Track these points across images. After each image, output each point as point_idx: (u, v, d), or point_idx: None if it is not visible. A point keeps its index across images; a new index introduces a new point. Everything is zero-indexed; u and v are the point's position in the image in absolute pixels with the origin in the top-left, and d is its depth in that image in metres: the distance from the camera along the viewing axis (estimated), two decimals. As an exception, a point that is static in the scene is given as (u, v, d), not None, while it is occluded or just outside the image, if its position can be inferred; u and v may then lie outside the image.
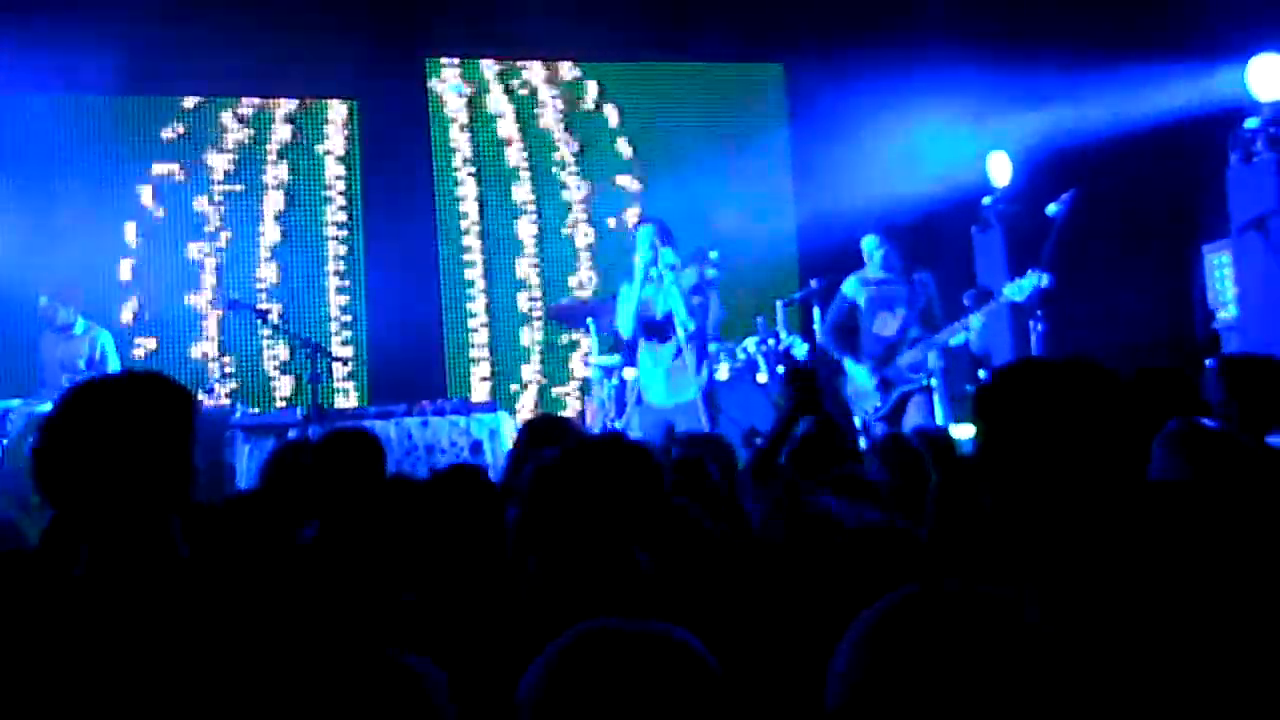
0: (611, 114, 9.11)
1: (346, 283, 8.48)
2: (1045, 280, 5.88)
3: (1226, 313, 7.22)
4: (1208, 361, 6.98)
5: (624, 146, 9.10)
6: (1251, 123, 5.88)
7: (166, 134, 8.13)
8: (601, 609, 1.37)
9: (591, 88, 9.10)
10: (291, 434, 6.08)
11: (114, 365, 6.71)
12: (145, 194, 8.09)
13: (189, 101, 8.21)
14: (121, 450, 1.57)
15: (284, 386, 8.10)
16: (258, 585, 1.49)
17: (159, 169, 8.13)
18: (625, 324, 5.75)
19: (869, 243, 6.21)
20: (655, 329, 5.73)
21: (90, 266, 7.57)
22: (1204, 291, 7.79)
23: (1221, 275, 7.22)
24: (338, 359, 7.12)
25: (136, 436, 1.58)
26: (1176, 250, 8.48)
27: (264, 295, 8.20)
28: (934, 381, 6.94)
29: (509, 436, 6.59)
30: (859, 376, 6.12)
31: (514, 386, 8.68)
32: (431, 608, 2.04)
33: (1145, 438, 1.48)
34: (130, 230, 8.03)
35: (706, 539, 2.22)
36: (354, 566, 2.14)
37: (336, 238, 8.50)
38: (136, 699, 1.36)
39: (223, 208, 8.27)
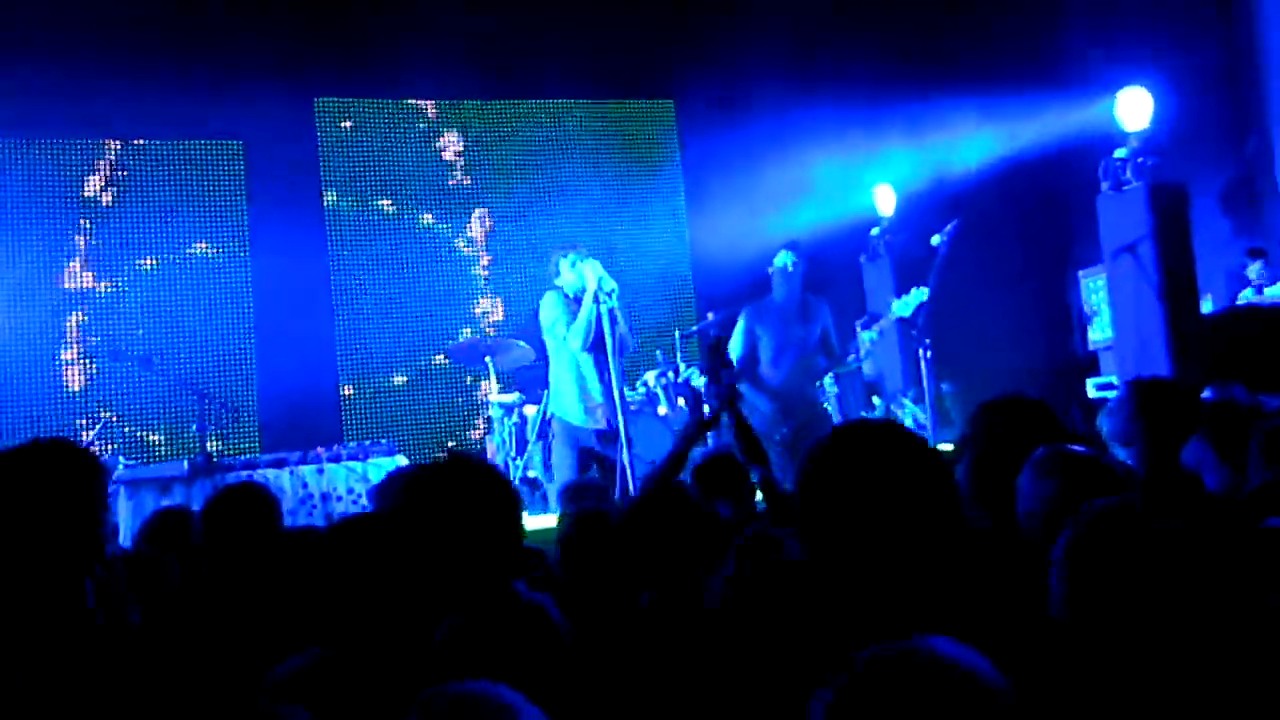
0: (503, 150, 9.09)
1: (237, 327, 8.26)
2: (925, 294, 6.04)
3: (1101, 335, 7.50)
4: (1089, 382, 7.28)
5: (516, 182, 9.08)
6: (1121, 153, 6.13)
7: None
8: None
9: (482, 125, 9.07)
10: (177, 487, 5.86)
11: None
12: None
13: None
14: (34, 519, 1.57)
15: (169, 437, 7.80)
16: (166, 646, 1.47)
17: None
18: (580, 337, 5.62)
19: (783, 257, 6.23)
20: (594, 348, 5.70)
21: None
22: (1081, 314, 8.09)
23: (1097, 299, 7.50)
24: (226, 406, 6.88)
25: (48, 505, 1.59)
26: (1055, 275, 8.82)
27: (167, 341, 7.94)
28: (830, 406, 7.06)
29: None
30: (761, 405, 6.18)
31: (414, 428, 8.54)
32: (340, 663, 1.98)
33: (953, 499, 1.60)
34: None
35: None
36: (250, 622, 2.06)
37: (225, 280, 8.28)
38: None
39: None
